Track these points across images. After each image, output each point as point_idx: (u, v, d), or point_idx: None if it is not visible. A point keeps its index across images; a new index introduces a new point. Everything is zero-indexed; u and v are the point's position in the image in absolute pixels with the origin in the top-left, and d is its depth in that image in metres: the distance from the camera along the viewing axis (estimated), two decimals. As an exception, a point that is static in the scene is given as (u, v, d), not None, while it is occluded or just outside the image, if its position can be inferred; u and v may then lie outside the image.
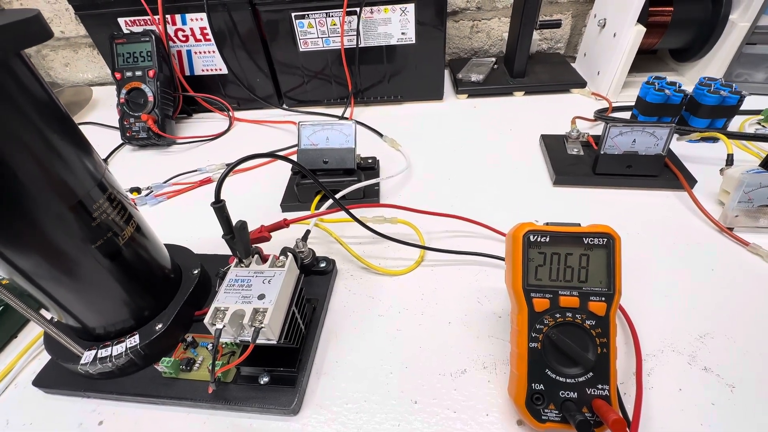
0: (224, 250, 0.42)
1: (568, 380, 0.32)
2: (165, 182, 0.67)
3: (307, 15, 0.73)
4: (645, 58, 0.86)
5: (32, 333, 0.45)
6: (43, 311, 0.36)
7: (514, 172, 0.63)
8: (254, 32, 0.76)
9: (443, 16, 0.73)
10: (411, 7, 0.71)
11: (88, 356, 0.36)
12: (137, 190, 0.64)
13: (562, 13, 0.92)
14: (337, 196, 0.48)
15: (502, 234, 0.51)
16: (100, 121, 0.86)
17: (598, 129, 0.70)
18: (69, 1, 0.74)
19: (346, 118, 0.79)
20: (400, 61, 0.78)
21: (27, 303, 0.32)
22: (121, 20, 0.76)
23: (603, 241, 0.32)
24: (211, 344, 0.39)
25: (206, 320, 0.33)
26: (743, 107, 0.61)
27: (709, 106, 0.60)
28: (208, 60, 0.80)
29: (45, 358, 0.41)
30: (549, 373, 0.32)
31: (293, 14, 0.73)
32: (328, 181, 0.57)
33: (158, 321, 0.39)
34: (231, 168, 0.33)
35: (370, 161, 0.63)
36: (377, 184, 0.60)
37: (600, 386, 0.31)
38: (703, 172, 0.56)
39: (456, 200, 0.58)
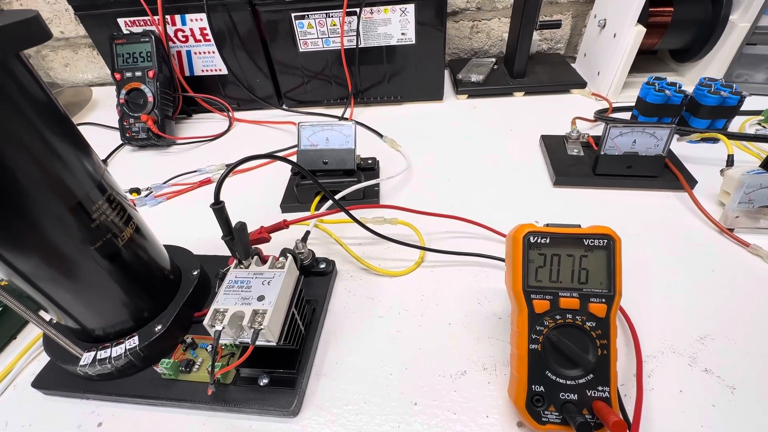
0: (224, 251, 0.42)
1: (569, 382, 0.32)
2: (164, 183, 0.66)
3: (307, 15, 0.73)
4: (645, 59, 0.86)
5: (31, 334, 0.45)
6: (42, 313, 0.36)
7: (514, 173, 0.62)
8: (254, 32, 0.76)
9: (443, 16, 0.73)
10: (411, 8, 0.71)
11: (87, 358, 0.36)
12: (137, 190, 0.64)
13: (562, 13, 0.92)
14: (337, 196, 0.48)
15: (502, 235, 0.51)
16: (99, 122, 0.86)
17: (598, 130, 0.70)
18: (69, 1, 0.74)
19: (346, 119, 0.79)
20: (400, 62, 0.78)
21: (26, 304, 0.32)
22: (120, 20, 0.76)
23: (603, 242, 0.32)
24: (210, 346, 0.39)
25: (206, 322, 0.33)
26: (743, 108, 0.61)
27: (710, 106, 0.60)
28: (208, 60, 0.80)
29: (44, 359, 0.41)
30: (549, 374, 0.32)
31: (293, 14, 0.73)
32: (327, 182, 0.57)
33: (157, 322, 0.39)
34: (230, 169, 0.33)
35: (369, 162, 0.63)
36: (377, 185, 0.60)
37: (600, 388, 0.31)
38: (704, 172, 0.56)
39: (456, 201, 0.57)
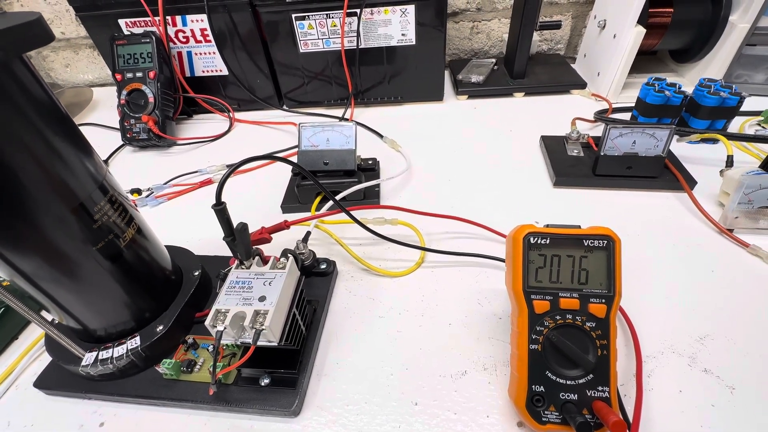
0: (225, 251, 0.42)
1: (569, 382, 0.32)
2: (165, 183, 0.67)
3: (308, 16, 0.73)
4: (645, 59, 0.86)
5: (33, 335, 0.45)
6: (44, 313, 0.36)
7: (514, 174, 0.63)
8: (254, 33, 0.76)
9: (443, 17, 0.73)
10: (411, 9, 0.72)
11: (89, 358, 0.36)
12: (138, 191, 0.64)
13: (562, 14, 0.92)
14: (338, 197, 0.48)
15: (503, 235, 0.51)
16: (100, 123, 0.86)
17: (598, 130, 0.70)
18: (69, 2, 0.74)
19: (347, 120, 0.79)
20: (400, 62, 0.78)
21: (28, 305, 0.32)
22: (121, 21, 0.76)
23: (603, 243, 0.32)
24: (211, 346, 0.40)
25: (207, 322, 0.33)
26: (743, 108, 0.61)
27: (709, 107, 0.60)
28: (209, 61, 0.80)
29: (46, 359, 0.41)
30: (549, 374, 0.32)
31: (293, 15, 0.73)
32: (328, 183, 0.57)
33: (159, 323, 0.39)
34: (232, 170, 0.33)
35: (370, 162, 0.63)
36: (377, 186, 0.60)
37: (600, 388, 0.31)
38: (703, 173, 0.56)
39: (456, 201, 0.58)
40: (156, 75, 0.74)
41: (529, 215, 0.54)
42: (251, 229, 0.38)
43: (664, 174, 0.57)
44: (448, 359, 0.39)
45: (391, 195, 0.61)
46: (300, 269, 0.39)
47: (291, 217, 0.48)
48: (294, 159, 0.45)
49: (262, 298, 0.34)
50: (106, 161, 0.75)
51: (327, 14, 0.72)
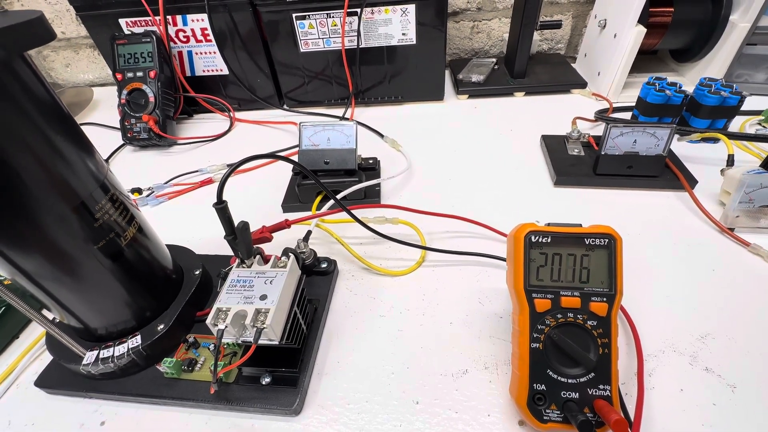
0: (225, 250, 0.42)
1: (570, 380, 0.32)
2: (166, 183, 0.67)
3: (308, 16, 0.73)
4: (645, 59, 0.86)
5: (34, 333, 0.46)
6: (45, 312, 0.36)
7: (514, 173, 0.63)
8: (255, 33, 0.76)
9: (444, 16, 0.73)
10: (411, 8, 0.72)
11: (89, 357, 0.36)
12: (138, 190, 0.64)
13: (562, 13, 0.92)
14: (339, 196, 0.48)
15: (503, 234, 0.51)
16: (101, 122, 0.86)
17: (598, 129, 0.70)
18: (70, 1, 0.74)
19: (347, 119, 0.79)
20: (400, 62, 0.78)
21: (29, 303, 0.32)
22: (122, 21, 0.76)
23: (604, 241, 0.32)
24: (212, 345, 0.40)
25: (208, 321, 0.33)
26: (744, 108, 0.61)
27: (710, 106, 0.60)
28: (209, 61, 0.80)
29: (47, 358, 0.41)
30: (550, 373, 0.32)
31: (294, 15, 0.73)
32: (329, 182, 0.57)
33: (160, 321, 0.39)
34: (233, 169, 0.33)
35: (371, 162, 0.63)
36: (378, 185, 0.60)
37: (601, 386, 0.31)
38: (704, 172, 0.56)
39: (457, 201, 0.58)
40: (156, 74, 0.74)
41: (530, 214, 0.54)
42: (252, 228, 0.38)
43: (665, 173, 0.57)
44: (449, 358, 0.39)
45: (391, 194, 0.61)
46: (301, 268, 0.39)
47: (292, 216, 0.48)
48: (295, 158, 0.45)
49: (263, 297, 0.34)
50: (106, 161, 0.75)
51: (327, 14, 0.72)
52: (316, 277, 0.47)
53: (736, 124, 0.67)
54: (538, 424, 0.32)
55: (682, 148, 0.62)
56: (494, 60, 0.90)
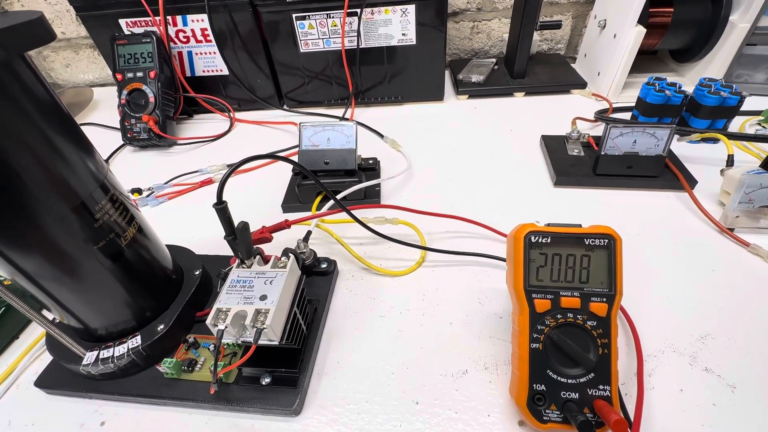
0: (225, 250, 0.42)
1: (570, 381, 0.32)
2: (166, 183, 0.67)
3: (308, 16, 0.73)
4: (645, 59, 0.86)
5: (34, 334, 0.46)
6: (45, 312, 0.36)
7: (514, 173, 0.63)
8: (255, 33, 0.76)
9: (444, 17, 0.73)
10: (411, 8, 0.72)
11: (89, 357, 0.36)
12: (138, 191, 0.64)
13: (562, 14, 0.92)
14: (338, 196, 0.48)
15: (503, 235, 0.51)
16: (101, 122, 0.86)
17: (598, 130, 0.70)
18: (70, 2, 0.74)
19: (347, 119, 0.79)
20: (400, 62, 0.78)
21: (29, 303, 0.32)
22: (122, 21, 0.76)
23: (604, 242, 0.32)
24: (212, 345, 0.40)
25: (208, 321, 0.33)
26: (743, 108, 0.61)
27: (710, 106, 0.60)
28: (209, 61, 0.80)
29: (47, 358, 0.41)
30: (550, 373, 0.32)
31: (294, 15, 0.73)
32: (329, 182, 0.57)
33: (160, 322, 0.39)
34: (233, 169, 0.33)
35: (371, 162, 0.63)
36: (378, 185, 0.60)
37: (601, 387, 0.31)
38: (704, 172, 0.56)
39: (457, 201, 0.58)
40: (156, 75, 0.74)
41: (530, 214, 0.54)
42: (252, 229, 0.38)
43: (665, 173, 0.57)
44: (449, 358, 0.39)
45: (391, 194, 0.61)
46: (301, 268, 0.39)
47: (292, 216, 0.48)
48: (295, 158, 0.45)
49: (263, 297, 0.34)
50: (106, 161, 0.75)
51: (327, 14, 0.72)
52: (316, 278, 0.47)
53: (736, 125, 0.67)
54: (538, 425, 0.32)
55: (681, 148, 0.62)
56: (494, 60, 0.90)
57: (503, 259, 0.47)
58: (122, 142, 0.77)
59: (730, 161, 0.54)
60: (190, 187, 0.66)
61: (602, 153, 0.56)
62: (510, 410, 0.35)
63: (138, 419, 0.37)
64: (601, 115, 0.70)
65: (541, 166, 0.63)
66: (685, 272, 0.46)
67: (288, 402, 0.36)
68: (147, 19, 0.75)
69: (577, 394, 0.31)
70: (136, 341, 0.37)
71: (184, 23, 0.76)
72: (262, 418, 0.36)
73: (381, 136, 0.74)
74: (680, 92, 0.61)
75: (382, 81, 0.81)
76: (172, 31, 0.77)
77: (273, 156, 0.38)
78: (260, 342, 0.33)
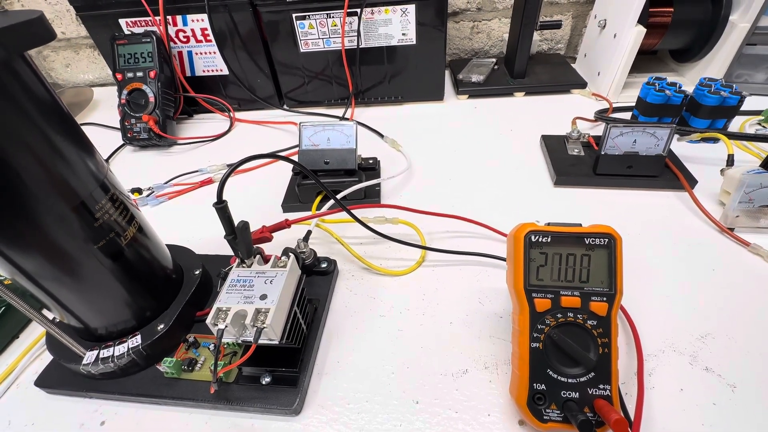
0: (225, 250, 0.42)
1: (570, 380, 0.32)
2: (166, 183, 0.67)
3: (308, 16, 0.73)
4: (645, 59, 0.86)
5: (34, 333, 0.46)
6: (45, 311, 0.36)
7: (514, 173, 0.63)
8: (255, 33, 0.76)
9: (444, 16, 0.73)
10: (411, 8, 0.72)
11: (90, 356, 0.36)
12: (138, 190, 0.64)
13: (562, 13, 0.92)
14: (339, 196, 0.48)
15: (503, 234, 0.51)
16: (101, 122, 0.86)
17: (598, 129, 0.70)
18: (70, 1, 0.74)
19: (347, 119, 0.79)
20: (400, 62, 0.78)
21: (29, 303, 0.32)
22: (122, 21, 0.76)
23: (604, 241, 0.32)
24: (212, 344, 0.40)
25: (208, 320, 0.33)
26: (743, 108, 0.61)
27: (710, 106, 0.60)
28: (209, 61, 0.80)
29: (47, 358, 0.41)
30: (550, 373, 0.32)
31: (294, 15, 0.73)
32: (329, 182, 0.57)
33: (160, 321, 0.39)
34: (233, 169, 0.33)
35: (371, 162, 0.63)
36: (378, 185, 0.60)
37: (601, 386, 0.31)
38: (704, 172, 0.56)
39: (457, 201, 0.58)
40: (156, 74, 0.74)
41: (530, 214, 0.54)
42: (252, 228, 0.38)
43: (665, 173, 0.57)
44: (449, 358, 0.39)
45: (391, 194, 0.61)
46: (301, 268, 0.39)
47: (292, 216, 0.48)
48: (295, 158, 0.45)
49: (263, 297, 0.34)
50: (106, 161, 0.75)
51: (327, 14, 0.72)
52: (316, 277, 0.47)
53: (736, 124, 0.67)
54: (539, 424, 0.32)
55: (681, 148, 0.62)
56: (494, 60, 0.90)
57: (503, 259, 0.47)
58: (122, 142, 0.77)
59: (730, 161, 0.54)
60: (190, 186, 0.66)
61: (602, 153, 0.56)
62: (510, 410, 0.35)
63: (138, 419, 0.37)
64: (601, 115, 0.70)
65: (541, 165, 0.63)
66: (685, 272, 0.46)
67: (288, 401, 0.35)
68: (147, 18, 0.75)
69: (577, 394, 0.31)
70: (136, 341, 0.37)
71: (184, 23, 0.76)
72: (262, 417, 0.36)
73: (381, 135, 0.74)
74: (680, 92, 0.60)
75: (382, 81, 0.81)
76: (172, 30, 0.77)
77: (273, 156, 0.38)
78: (260, 341, 0.33)
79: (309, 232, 0.49)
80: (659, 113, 0.63)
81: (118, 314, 0.37)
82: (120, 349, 0.37)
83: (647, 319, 0.41)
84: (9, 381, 0.41)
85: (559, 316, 0.32)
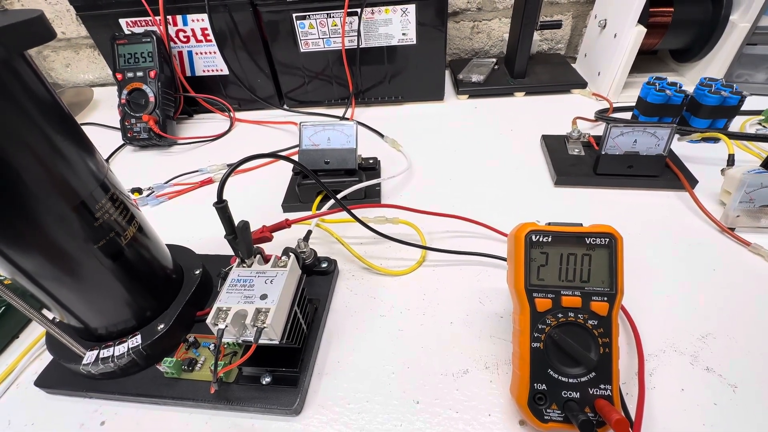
0: (226, 250, 0.42)
1: (571, 380, 0.32)
2: (166, 183, 0.67)
3: (308, 16, 0.73)
4: (645, 59, 0.86)
5: (34, 333, 0.45)
6: (45, 311, 0.36)
7: (515, 173, 0.63)
8: (255, 33, 0.76)
9: (444, 16, 0.73)
10: (412, 8, 0.72)
11: (90, 356, 0.36)
12: (138, 190, 0.64)
13: (562, 13, 0.92)
14: (339, 196, 0.48)
15: (504, 234, 0.51)
16: (101, 122, 0.86)
17: (598, 129, 0.70)
18: (70, 1, 0.74)
19: (347, 119, 0.79)
20: (400, 62, 0.78)
21: (29, 303, 0.32)
22: (122, 21, 0.76)
23: (605, 241, 0.32)
24: (213, 344, 0.39)
25: (209, 320, 0.33)
26: (744, 107, 0.61)
27: (710, 106, 0.60)
28: (209, 61, 0.80)
29: (47, 358, 0.41)
30: (551, 373, 0.32)
31: (294, 15, 0.73)
32: (329, 182, 0.57)
33: (160, 321, 0.39)
34: (233, 168, 0.33)
35: (371, 162, 0.63)
36: (378, 185, 0.60)
37: (602, 386, 0.31)
38: (704, 172, 0.56)
39: (457, 200, 0.58)
40: (157, 74, 0.74)
41: (530, 214, 0.54)
42: (252, 228, 0.38)
43: (666, 173, 0.57)
44: (450, 358, 0.39)
45: (392, 194, 0.61)
46: (301, 268, 0.39)
47: (292, 215, 0.48)
48: (295, 158, 0.45)
49: (263, 297, 0.34)
50: (106, 160, 0.75)
51: (327, 14, 0.72)
52: (316, 277, 0.47)
53: (737, 124, 0.67)
54: (539, 424, 0.32)
55: (682, 147, 0.62)
56: (494, 60, 0.90)
57: (504, 259, 0.47)
58: (122, 142, 0.77)
59: (730, 161, 0.54)
60: (190, 186, 0.65)
61: (603, 152, 0.56)
62: (511, 410, 0.35)
63: (138, 419, 0.37)
64: (602, 115, 0.70)
65: (541, 165, 0.63)
66: (685, 272, 0.46)
67: (288, 401, 0.35)
68: (147, 18, 0.75)
69: (578, 394, 0.31)
70: (136, 340, 0.37)
71: (184, 23, 0.76)
72: (262, 417, 0.36)
73: (381, 135, 0.74)
74: (681, 92, 0.60)
75: (382, 81, 0.81)
76: (172, 30, 0.77)
77: (274, 155, 0.38)
78: (261, 341, 0.33)
79: (309, 232, 0.49)
80: (660, 113, 0.63)
81: (118, 314, 0.37)
82: (120, 349, 0.37)
83: (648, 319, 0.41)
84: (9, 381, 0.41)
85: (560, 315, 0.32)
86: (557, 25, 0.79)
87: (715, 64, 0.73)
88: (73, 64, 1.05)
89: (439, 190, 0.60)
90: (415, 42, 0.76)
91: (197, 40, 0.78)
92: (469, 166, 0.65)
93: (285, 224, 0.45)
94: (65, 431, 0.37)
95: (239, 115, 0.85)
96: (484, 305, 0.44)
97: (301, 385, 0.36)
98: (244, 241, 0.36)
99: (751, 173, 0.46)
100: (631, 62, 0.73)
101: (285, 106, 0.86)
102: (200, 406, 0.37)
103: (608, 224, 0.33)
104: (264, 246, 0.42)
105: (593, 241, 0.33)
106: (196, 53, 0.80)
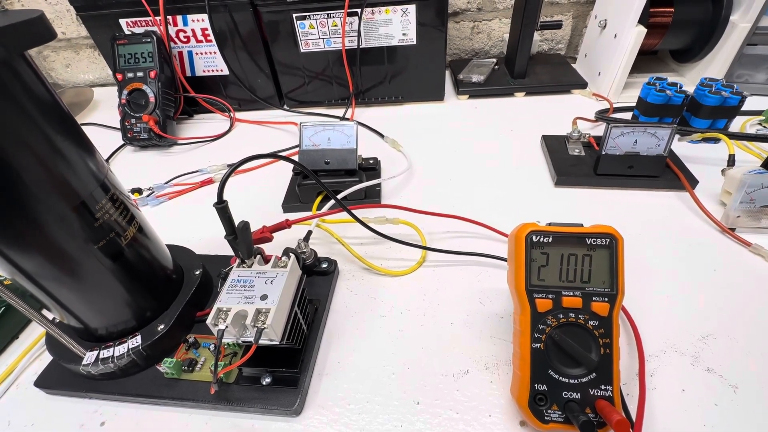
0: (226, 250, 0.42)
1: (571, 381, 0.32)
2: (166, 183, 0.67)
3: (308, 16, 0.73)
4: (646, 59, 0.86)
5: (34, 333, 0.45)
6: (45, 312, 0.36)
7: (515, 173, 0.63)
8: (255, 33, 0.76)
9: (444, 17, 0.73)
10: (412, 8, 0.72)
11: (89, 357, 0.36)
12: (139, 190, 0.64)
13: (562, 14, 0.92)
14: (339, 196, 0.48)
15: (504, 234, 0.51)
16: (101, 122, 0.86)
17: (599, 130, 0.70)
18: (70, 1, 0.74)
19: (348, 119, 0.79)
20: (401, 62, 0.78)
21: (29, 303, 0.32)
22: (122, 21, 0.76)
23: (606, 241, 0.32)
24: (213, 345, 0.39)
25: (209, 321, 0.33)
26: (744, 108, 0.61)
27: (710, 106, 0.60)
28: (210, 61, 0.80)
29: (47, 358, 0.41)
30: (552, 373, 0.32)
31: (294, 15, 0.73)
32: (329, 182, 0.57)
33: (160, 322, 0.39)
34: (233, 168, 0.33)
35: (371, 162, 0.63)
36: (379, 185, 0.60)
37: (603, 387, 0.31)
38: (705, 172, 0.56)
39: (457, 201, 0.58)
40: (157, 75, 0.74)
41: (531, 214, 0.54)
42: (252, 228, 0.38)
43: (666, 173, 0.57)
44: (450, 358, 0.39)
45: (392, 194, 0.61)
46: (301, 268, 0.39)
47: (292, 216, 0.48)
48: (295, 158, 0.45)
49: (263, 297, 0.34)
50: (107, 161, 0.75)
51: (328, 14, 0.72)
52: (316, 277, 0.47)
53: (737, 125, 0.67)
54: (540, 425, 0.32)
55: (682, 148, 0.62)
56: (494, 60, 0.90)
57: (504, 259, 0.47)
58: (122, 142, 0.77)
59: (731, 161, 0.54)
60: (191, 187, 0.65)
61: (603, 153, 0.56)
62: (511, 410, 0.35)
63: (138, 419, 0.37)
64: (602, 115, 0.70)
65: (541, 165, 0.63)
66: (686, 272, 0.46)
67: (288, 402, 0.35)
68: (147, 18, 0.75)
69: (578, 394, 0.31)
70: (136, 341, 0.37)
71: (185, 23, 0.76)
72: (262, 418, 0.36)
73: (381, 136, 0.74)
74: (681, 92, 0.60)
75: (382, 81, 0.81)
76: (172, 30, 0.77)
77: (274, 155, 0.38)
78: (261, 342, 0.32)
79: (309, 233, 0.49)
80: (660, 113, 0.63)
81: (118, 314, 0.37)
82: (120, 349, 0.37)
83: (648, 319, 0.41)
84: (9, 381, 0.41)
85: (561, 316, 0.32)
86: (557, 25, 0.79)
87: (716, 64, 0.73)
88: (73, 64, 1.05)
89: (439, 190, 0.60)
90: (415, 42, 0.76)
91: (197, 41, 0.78)
92: (469, 167, 0.65)
93: (285, 224, 0.45)
94: (65, 431, 0.37)
95: (239, 115, 0.85)
96: (484, 306, 0.44)
97: (301, 385, 0.36)
98: (245, 241, 0.35)
99: (751, 173, 0.46)
100: (631, 62, 0.73)
101: (285, 107, 0.86)
102: (200, 407, 0.37)
103: (609, 225, 0.33)
104: (264, 246, 0.42)
105: (594, 241, 0.33)
106: (197, 53, 0.80)
